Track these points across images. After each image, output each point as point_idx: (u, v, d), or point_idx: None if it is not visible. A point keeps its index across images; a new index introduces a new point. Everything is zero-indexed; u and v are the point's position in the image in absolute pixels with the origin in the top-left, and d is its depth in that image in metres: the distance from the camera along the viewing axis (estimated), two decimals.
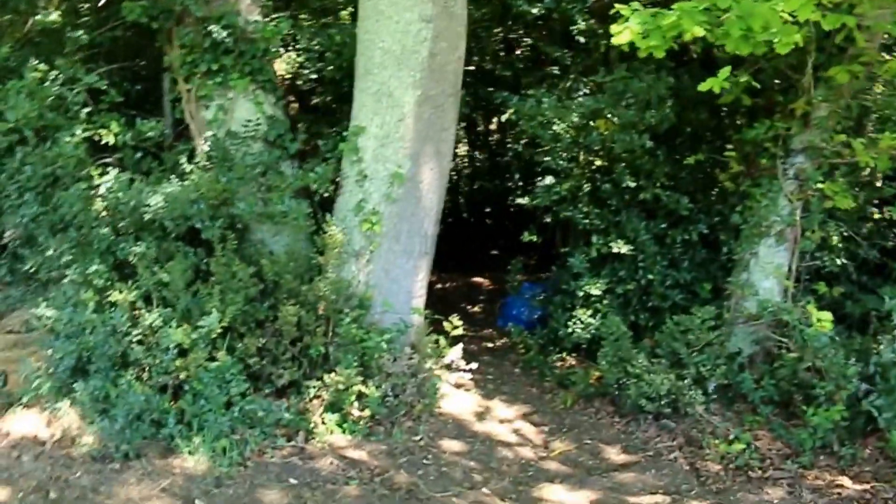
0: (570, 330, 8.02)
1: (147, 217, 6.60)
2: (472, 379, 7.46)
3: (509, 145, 14.52)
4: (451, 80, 6.98)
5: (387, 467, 5.99)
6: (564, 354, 8.39)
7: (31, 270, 7.03)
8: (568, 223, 9.10)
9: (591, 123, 7.74)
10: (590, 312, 7.94)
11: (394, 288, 7.08)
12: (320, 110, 9.01)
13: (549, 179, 8.33)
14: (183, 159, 7.09)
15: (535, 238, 8.49)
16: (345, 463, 5.97)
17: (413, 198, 6.99)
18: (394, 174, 6.86)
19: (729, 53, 6.02)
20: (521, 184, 13.91)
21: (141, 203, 6.56)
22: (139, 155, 7.32)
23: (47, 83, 7.10)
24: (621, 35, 5.91)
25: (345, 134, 7.11)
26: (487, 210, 15.68)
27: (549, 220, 8.30)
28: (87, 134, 6.97)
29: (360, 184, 6.93)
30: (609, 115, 7.66)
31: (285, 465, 5.85)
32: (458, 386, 7.52)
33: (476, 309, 11.04)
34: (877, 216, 8.24)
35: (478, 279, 13.37)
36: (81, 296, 6.36)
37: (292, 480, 5.66)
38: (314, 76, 8.73)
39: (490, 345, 9.16)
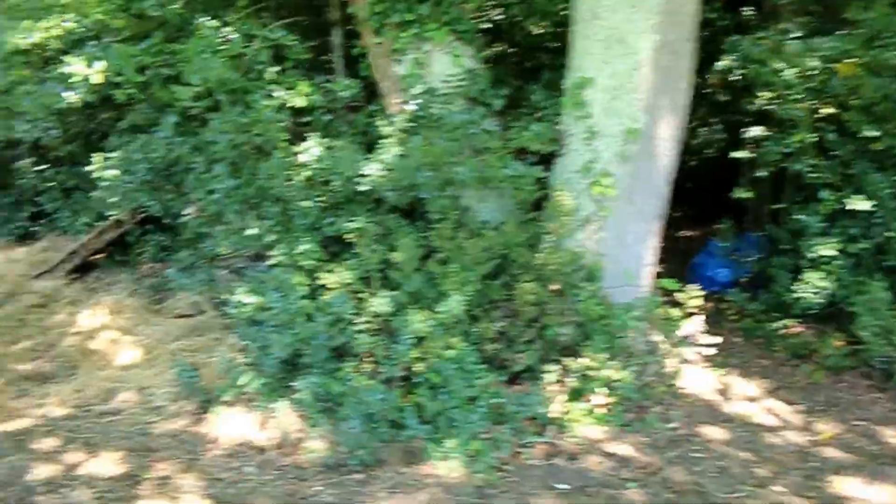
0: (797, 295, 7.19)
1: (362, 188, 5.86)
2: (697, 352, 6.68)
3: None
4: (689, 23, 6.11)
5: (658, 464, 5.27)
6: (787, 321, 7.58)
7: (220, 252, 6.35)
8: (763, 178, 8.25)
9: (832, 67, 6.85)
10: (819, 275, 7.10)
11: (626, 256, 6.30)
12: (491, 61, 8.15)
13: (755, 130, 7.47)
14: (382, 121, 6.33)
15: (750, 194, 7.65)
16: (613, 461, 5.26)
17: (648, 156, 6.18)
18: (628, 130, 6.06)
19: None
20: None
21: (356, 172, 5.82)
22: (328, 118, 6.58)
23: (220, 40, 6.38)
24: None
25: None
26: None
27: (764, 174, 7.42)
28: (286, 96, 6.22)
29: (588, 142, 6.12)
30: (853, 58, 6.75)
31: (548, 467, 5.17)
32: (687, 361, 6.77)
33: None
34: None
35: None
36: (293, 279, 5.67)
37: (562, 486, 4.96)
38: (486, 25, 7.88)
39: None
